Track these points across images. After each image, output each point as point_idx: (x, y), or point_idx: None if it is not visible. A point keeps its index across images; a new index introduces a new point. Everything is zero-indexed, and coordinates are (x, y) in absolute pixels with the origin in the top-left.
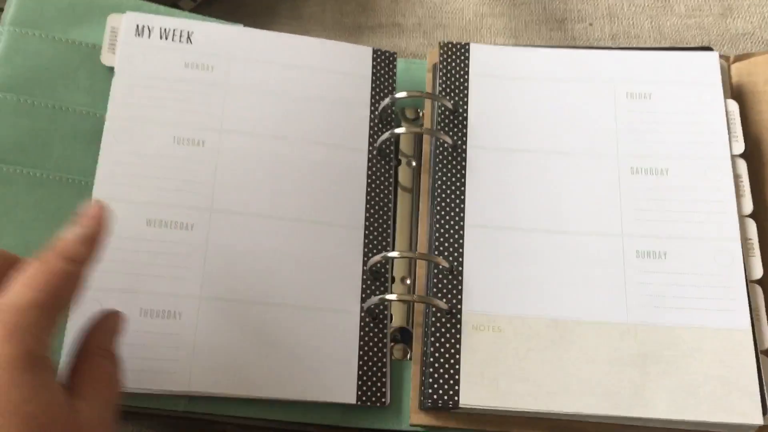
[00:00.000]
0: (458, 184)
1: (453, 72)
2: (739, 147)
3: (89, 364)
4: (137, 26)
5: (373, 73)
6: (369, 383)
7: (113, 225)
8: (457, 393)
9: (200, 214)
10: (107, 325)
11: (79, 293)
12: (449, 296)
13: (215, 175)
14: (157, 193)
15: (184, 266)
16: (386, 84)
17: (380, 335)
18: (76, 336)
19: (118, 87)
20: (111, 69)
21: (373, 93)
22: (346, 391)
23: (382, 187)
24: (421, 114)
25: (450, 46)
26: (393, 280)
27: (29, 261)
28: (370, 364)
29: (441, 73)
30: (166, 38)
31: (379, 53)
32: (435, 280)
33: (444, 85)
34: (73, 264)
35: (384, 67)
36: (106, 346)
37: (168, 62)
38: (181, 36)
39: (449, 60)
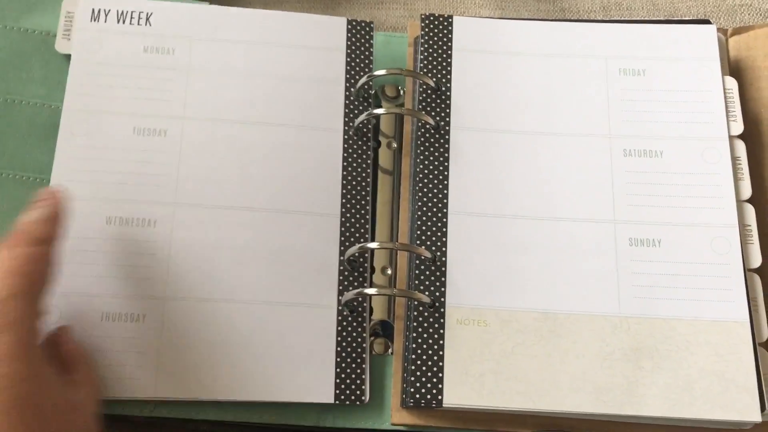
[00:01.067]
0: (441, 168)
1: (435, 47)
2: (738, 127)
3: (71, 348)
4: (93, 10)
5: (348, 46)
6: (348, 381)
7: (70, 210)
8: (440, 391)
9: (163, 209)
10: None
11: (53, 274)
12: (432, 288)
13: (178, 166)
14: (116, 188)
15: (148, 265)
16: (363, 58)
17: (359, 329)
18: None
19: (75, 76)
20: (67, 57)
21: (349, 68)
22: (323, 391)
23: (359, 170)
24: (402, 91)
25: (432, 18)
26: (373, 270)
27: None
28: (349, 360)
29: (422, 49)
30: (124, 21)
31: (354, 24)
32: (417, 272)
33: (425, 62)
34: (43, 245)
35: (360, 39)
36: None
37: (126, 47)
38: (139, 18)
39: (431, 34)
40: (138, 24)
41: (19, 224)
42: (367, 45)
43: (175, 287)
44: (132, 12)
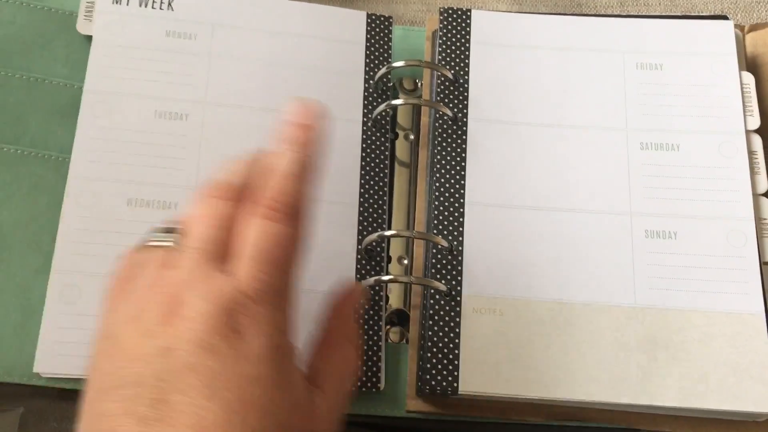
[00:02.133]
0: (458, 159)
1: (453, 40)
2: (755, 122)
3: (332, 353)
4: None
5: (368, 39)
6: (364, 368)
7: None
8: (456, 379)
9: (184, 192)
10: (352, 301)
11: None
12: (448, 277)
13: (199, 150)
14: (138, 170)
15: None
16: (382, 51)
17: (375, 318)
18: (320, 313)
19: (96, 58)
20: (89, 38)
21: (368, 61)
22: None
23: (377, 161)
24: (419, 84)
25: (450, 12)
26: (389, 260)
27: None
28: (365, 348)
29: (441, 41)
30: (146, 5)
31: (373, 18)
32: (434, 261)
33: (444, 54)
34: (296, 221)
35: (379, 33)
36: (351, 331)
37: (148, 31)
38: (161, 2)
39: (449, 27)
40: (160, 8)
41: (275, 183)
42: (386, 39)
43: None
44: None
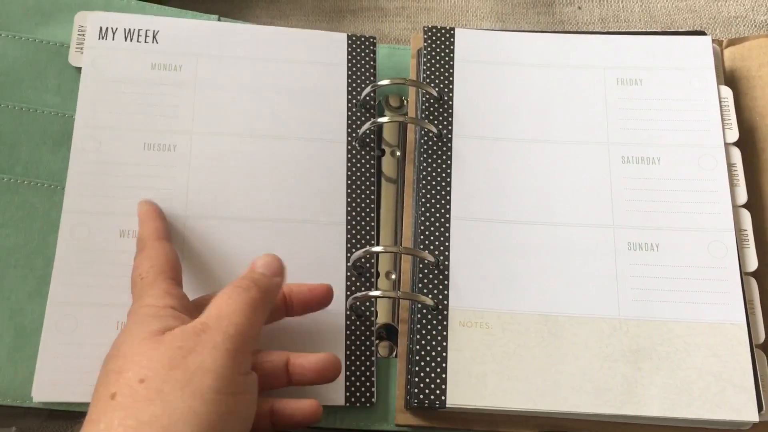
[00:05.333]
0: (443, 174)
1: (437, 58)
2: (733, 135)
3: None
4: (101, 28)
5: (349, 60)
6: (357, 383)
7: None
8: (444, 392)
9: (174, 222)
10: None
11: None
12: (435, 292)
13: (188, 180)
14: (129, 202)
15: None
16: (364, 71)
17: (367, 333)
18: None
19: (85, 92)
20: (80, 69)
21: (350, 81)
22: (334, 393)
23: (363, 179)
24: (405, 102)
25: (434, 30)
26: (378, 275)
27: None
28: (358, 363)
29: (425, 59)
30: (131, 39)
31: (354, 39)
32: (420, 275)
33: (428, 72)
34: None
35: (361, 53)
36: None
37: (134, 64)
38: (146, 36)
39: (433, 45)
40: (145, 42)
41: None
42: (368, 58)
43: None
44: (139, 30)
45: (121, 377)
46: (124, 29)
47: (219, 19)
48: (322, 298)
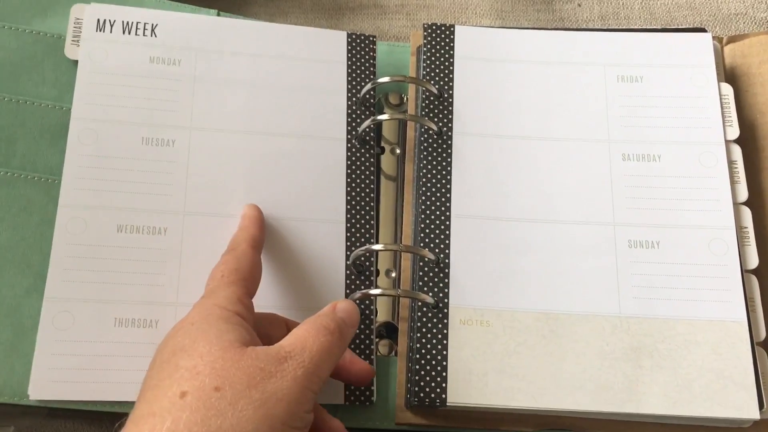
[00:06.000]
0: (443, 172)
1: (437, 55)
2: (734, 132)
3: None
4: (98, 21)
5: (349, 58)
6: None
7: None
8: (444, 391)
9: (173, 217)
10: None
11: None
12: (435, 290)
13: (187, 175)
14: (126, 197)
15: (159, 272)
16: (364, 69)
17: (366, 332)
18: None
19: (81, 85)
20: (76, 62)
21: (350, 79)
22: (333, 392)
23: (363, 177)
24: (405, 99)
25: (434, 28)
26: (378, 273)
27: None
28: None
29: (425, 57)
30: (129, 32)
31: (354, 37)
32: (420, 273)
33: (428, 69)
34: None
35: (360, 51)
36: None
37: (132, 58)
38: (144, 29)
39: (433, 43)
40: (143, 35)
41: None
42: (368, 56)
43: (186, 294)
44: (137, 23)
45: (196, 378)
46: (122, 22)
47: (218, 14)
48: (360, 376)
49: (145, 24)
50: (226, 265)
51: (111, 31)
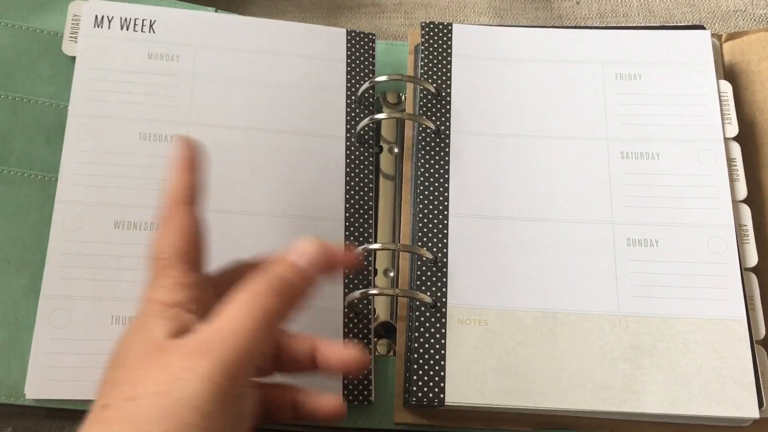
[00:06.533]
0: (441, 171)
1: (435, 54)
2: (733, 130)
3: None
4: (96, 17)
5: (348, 56)
6: (355, 381)
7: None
8: (442, 390)
9: None
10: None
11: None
12: (433, 289)
13: None
14: (124, 193)
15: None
16: (364, 67)
17: (365, 331)
18: None
19: (79, 81)
20: (74, 58)
21: (349, 77)
22: (331, 392)
23: (362, 175)
24: (403, 98)
25: (432, 26)
26: (376, 272)
27: None
28: None
29: (422, 55)
30: (128, 28)
31: (353, 35)
32: (418, 273)
33: (426, 68)
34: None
35: (360, 50)
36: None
37: (130, 54)
38: (143, 25)
39: (431, 41)
40: (142, 31)
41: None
42: (367, 55)
43: None
44: (135, 19)
45: (114, 390)
46: (120, 18)
47: (216, 11)
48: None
49: (143, 20)
50: (160, 243)
51: (109, 28)
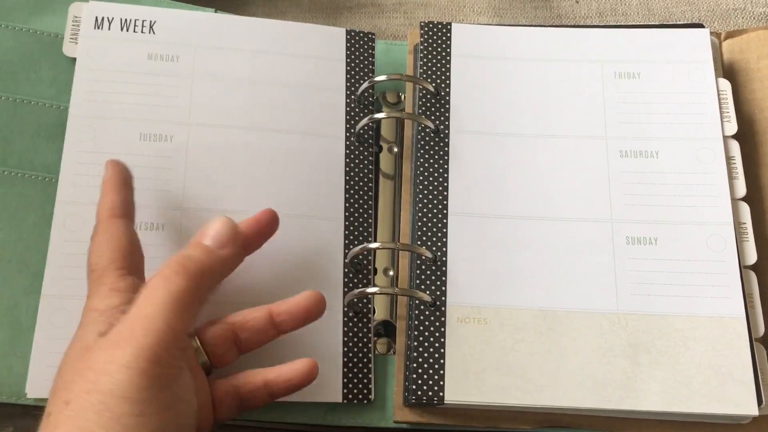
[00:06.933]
0: (441, 170)
1: (434, 53)
2: (732, 128)
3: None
4: (96, 18)
5: (348, 56)
6: (355, 380)
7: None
8: (442, 388)
9: (171, 213)
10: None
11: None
12: (433, 288)
13: (185, 171)
14: None
15: (158, 268)
16: (363, 67)
17: (364, 330)
18: None
19: (80, 82)
20: (74, 60)
21: (349, 77)
22: (331, 390)
23: (361, 175)
24: (402, 98)
25: (431, 26)
26: (375, 271)
27: None
28: (355, 360)
29: (421, 55)
30: (128, 29)
31: (353, 35)
32: (418, 272)
33: (425, 67)
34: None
35: (359, 49)
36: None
37: (130, 54)
38: (143, 26)
39: (430, 41)
40: (142, 32)
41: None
42: (367, 54)
43: None
44: (135, 20)
45: (54, 397)
46: (121, 19)
47: (215, 12)
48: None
49: (143, 21)
50: (93, 254)
51: (109, 29)
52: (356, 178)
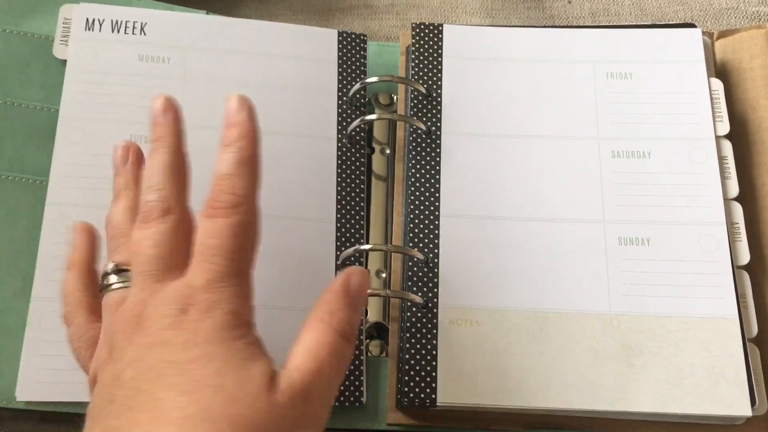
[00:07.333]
0: (432, 172)
1: (426, 55)
2: (724, 127)
3: (303, 333)
4: (87, 20)
5: (340, 57)
6: (346, 382)
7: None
8: (434, 391)
9: None
10: (344, 286)
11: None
12: (425, 290)
13: None
14: None
15: None
16: (355, 68)
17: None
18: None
19: (70, 84)
20: (65, 62)
21: (341, 78)
22: None
23: (353, 176)
24: (395, 99)
25: (422, 27)
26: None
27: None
28: None
29: (413, 56)
30: (118, 31)
31: (345, 36)
32: (410, 273)
33: (417, 69)
34: (239, 212)
35: (351, 50)
36: (332, 316)
37: (121, 56)
38: (134, 28)
39: (421, 42)
40: (133, 33)
41: (213, 184)
42: (359, 56)
43: None
44: (126, 21)
45: None
46: (112, 21)
47: (207, 14)
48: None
49: (134, 23)
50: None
51: (100, 30)
52: (348, 180)
